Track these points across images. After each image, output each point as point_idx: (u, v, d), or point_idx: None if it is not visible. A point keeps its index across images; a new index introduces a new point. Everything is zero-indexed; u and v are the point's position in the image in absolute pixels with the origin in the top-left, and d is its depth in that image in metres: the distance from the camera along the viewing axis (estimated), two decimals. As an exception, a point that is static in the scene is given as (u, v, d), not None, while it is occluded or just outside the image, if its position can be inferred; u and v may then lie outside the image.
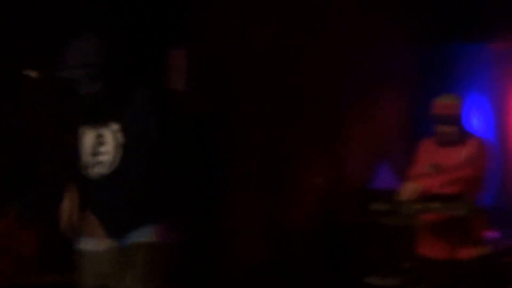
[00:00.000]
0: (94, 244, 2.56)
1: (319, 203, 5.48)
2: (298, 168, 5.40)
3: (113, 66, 2.55)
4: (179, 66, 4.51)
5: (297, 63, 5.32)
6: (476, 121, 5.71)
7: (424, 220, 3.77)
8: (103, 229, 2.52)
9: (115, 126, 2.54)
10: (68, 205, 2.53)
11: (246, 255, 5.05)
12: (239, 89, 4.97)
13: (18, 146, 4.47)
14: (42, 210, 4.24)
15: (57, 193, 2.59)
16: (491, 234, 4.89)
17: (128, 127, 2.53)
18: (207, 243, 4.77)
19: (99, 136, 2.57)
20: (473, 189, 3.62)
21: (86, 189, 2.55)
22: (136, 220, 2.53)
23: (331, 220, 5.56)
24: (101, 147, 2.56)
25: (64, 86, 2.54)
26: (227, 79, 4.84)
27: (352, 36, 5.47)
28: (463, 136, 3.74)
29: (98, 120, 2.57)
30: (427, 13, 5.51)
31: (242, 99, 5.02)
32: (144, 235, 2.51)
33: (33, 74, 4.44)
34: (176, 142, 2.64)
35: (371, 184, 5.65)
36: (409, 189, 3.51)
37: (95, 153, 2.57)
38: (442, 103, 3.71)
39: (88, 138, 2.61)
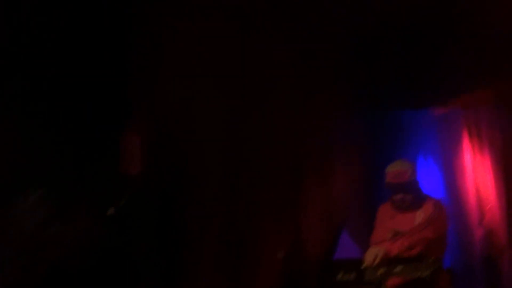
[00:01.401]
0: None
1: (281, 276, 5.43)
2: (257, 242, 5.37)
3: None
4: (133, 150, 4.52)
5: (249, 138, 5.40)
6: (428, 184, 5.85)
7: (390, 285, 3.77)
8: None
9: None
10: None
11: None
12: (193, 166, 4.99)
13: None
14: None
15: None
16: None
17: None
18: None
19: None
20: (434, 250, 3.67)
21: None
22: None
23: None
24: None
25: None
26: (178, 158, 4.86)
27: (303, 108, 5.62)
28: (419, 200, 3.83)
29: None
30: (374, 84, 5.76)
31: (196, 177, 5.02)
32: None
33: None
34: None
35: (333, 254, 5.64)
36: (371, 254, 3.53)
37: None
38: (394, 172, 3.81)
39: None
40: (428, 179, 5.90)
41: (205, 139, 5.15)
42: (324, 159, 6.03)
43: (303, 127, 5.69)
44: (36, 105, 4.07)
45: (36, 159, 3.79)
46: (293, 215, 5.73)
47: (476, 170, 5.60)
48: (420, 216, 3.77)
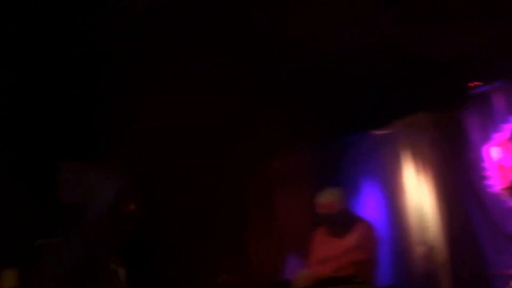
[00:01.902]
0: None
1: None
2: (206, 267, 5.50)
3: None
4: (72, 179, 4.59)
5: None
6: (370, 205, 6.05)
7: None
8: None
9: None
10: None
11: None
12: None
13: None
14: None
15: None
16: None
17: None
18: None
19: None
20: (365, 271, 3.79)
21: None
22: None
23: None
24: None
25: None
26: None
27: (251, 140, 5.86)
28: (349, 224, 3.95)
29: None
30: (313, 112, 6.00)
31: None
32: None
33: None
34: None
35: (281, 275, 5.77)
36: (303, 277, 3.66)
37: None
38: (323, 204, 3.92)
39: None
40: (370, 199, 6.11)
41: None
42: (273, 187, 6.25)
43: (249, 160, 5.95)
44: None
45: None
46: (241, 241, 5.91)
47: (416, 190, 5.81)
48: (350, 239, 3.90)
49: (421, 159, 5.81)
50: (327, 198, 3.93)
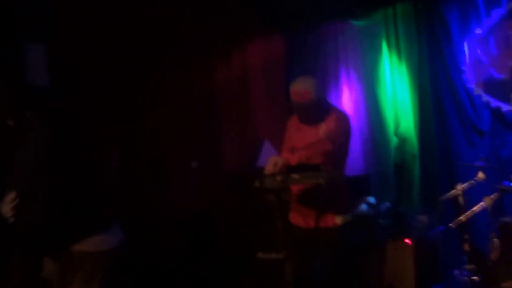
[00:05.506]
0: None
1: (198, 187, 5.68)
2: (174, 153, 5.57)
3: None
4: (39, 60, 4.50)
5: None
6: (346, 95, 6.08)
7: (293, 192, 4.00)
8: None
9: None
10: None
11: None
12: (102, 83, 5.05)
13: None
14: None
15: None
16: (369, 199, 5.28)
17: None
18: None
19: None
20: (333, 161, 3.80)
21: None
22: None
23: (209, 203, 5.80)
24: None
25: None
26: (88, 75, 4.90)
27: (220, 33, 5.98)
28: (323, 113, 3.90)
29: None
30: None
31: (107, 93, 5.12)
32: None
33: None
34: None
35: (255, 163, 5.88)
36: (271, 163, 3.70)
37: None
38: (297, 91, 3.81)
39: None
40: (347, 89, 6.13)
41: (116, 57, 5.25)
42: (245, 77, 6.25)
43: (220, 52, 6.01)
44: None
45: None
46: (211, 128, 5.97)
47: (393, 82, 5.82)
48: (323, 128, 3.88)
49: (399, 51, 5.77)
50: (301, 86, 3.82)
